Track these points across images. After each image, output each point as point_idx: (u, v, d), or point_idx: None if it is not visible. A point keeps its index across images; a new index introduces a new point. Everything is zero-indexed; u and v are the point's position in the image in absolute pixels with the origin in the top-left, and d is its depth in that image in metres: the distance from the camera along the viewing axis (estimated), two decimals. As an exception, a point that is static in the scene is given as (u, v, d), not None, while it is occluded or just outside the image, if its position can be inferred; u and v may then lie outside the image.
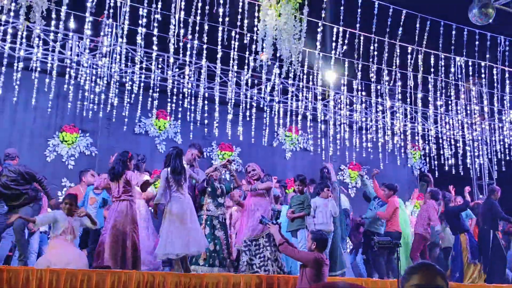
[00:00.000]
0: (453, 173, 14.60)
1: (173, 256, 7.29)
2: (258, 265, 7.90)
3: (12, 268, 6.16)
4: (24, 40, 10.79)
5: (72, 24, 10.64)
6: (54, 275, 6.09)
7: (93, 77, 11.71)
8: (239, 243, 8.44)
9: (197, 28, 9.79)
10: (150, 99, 12.03)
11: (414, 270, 2.49)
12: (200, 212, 8.19)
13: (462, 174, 14.67)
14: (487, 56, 11.93)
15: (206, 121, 12.56)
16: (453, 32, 11.16)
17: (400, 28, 10.45)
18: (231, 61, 11.19)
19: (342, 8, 9.63)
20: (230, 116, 12.56)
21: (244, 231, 8.23)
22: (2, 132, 11.40)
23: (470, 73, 12.60)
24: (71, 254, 6.93)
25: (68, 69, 11.33)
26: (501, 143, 15.19)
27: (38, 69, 10.89)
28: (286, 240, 6.70)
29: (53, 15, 9.24)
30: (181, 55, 10.93)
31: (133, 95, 11.89)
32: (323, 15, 9.50)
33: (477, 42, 11.40)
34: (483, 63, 12.49)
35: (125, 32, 10.05)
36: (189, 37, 10.83)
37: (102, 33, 11.12)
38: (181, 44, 10.56)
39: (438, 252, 11.79)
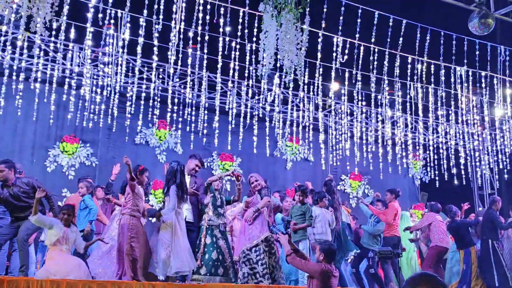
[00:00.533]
0: (455, 183, 14.58)
1: (186, 273, 7.31)
2: (261, 273, 7.76)
3: (12, 279, 6.13)
4: (25, 51, 10.82)
5: (72, 35, 10.68)
6: (54, 285, 6.07)
7: (94, 88, 11.73)
8: (237, 254, 8.37)
9: (198, 38, 9.80)
10: (150, 109, 12.04)
11: (415, 281, 2.46)
12: (200, 223, 8.17)
13: (464, 183, 14.64)
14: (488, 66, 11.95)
15: (205, 131, 12.55)
16: (454, 42, 11.18)
17: (401, 38, 10.48)
18: (231, 71, 11.20)
19: (341, 18, 9.65)
20: (230, 126, 12.56)
21: (242, 243, 8.15)
22: (3, 142, 11.39)
23: (471, 82, 12.60)
24: (70, 264, 6.88)
25: (68, 80, 11.36)
26: (502, 152, 15.17)
27: (39, 79, 10.90)
28: (295, 250, 6.46)
29: (54, 25, 9.25)
30: (179, 65, 10.87)
31: (133, 106, 11.90)
32: (323, 25, 9.52)
33: (477, 52, 11.42)
34: (483, 73, 12.50)
35: (126, 42, 10.07)
36: (191, 45, 10.84)
37: (102, 43, 11.14)
38: (180, 55, 10.57)
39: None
